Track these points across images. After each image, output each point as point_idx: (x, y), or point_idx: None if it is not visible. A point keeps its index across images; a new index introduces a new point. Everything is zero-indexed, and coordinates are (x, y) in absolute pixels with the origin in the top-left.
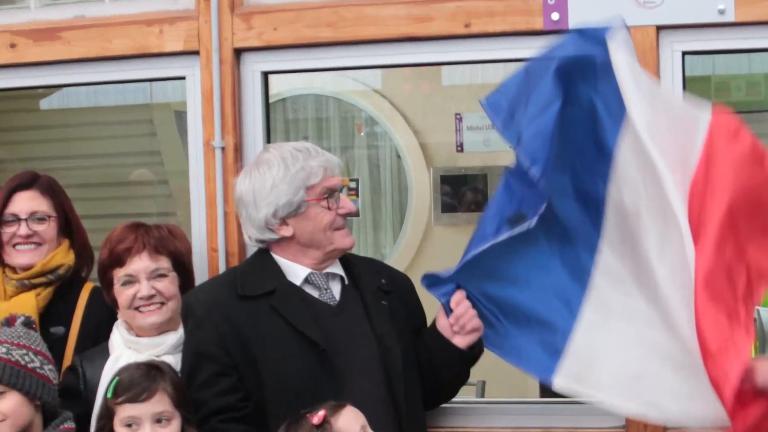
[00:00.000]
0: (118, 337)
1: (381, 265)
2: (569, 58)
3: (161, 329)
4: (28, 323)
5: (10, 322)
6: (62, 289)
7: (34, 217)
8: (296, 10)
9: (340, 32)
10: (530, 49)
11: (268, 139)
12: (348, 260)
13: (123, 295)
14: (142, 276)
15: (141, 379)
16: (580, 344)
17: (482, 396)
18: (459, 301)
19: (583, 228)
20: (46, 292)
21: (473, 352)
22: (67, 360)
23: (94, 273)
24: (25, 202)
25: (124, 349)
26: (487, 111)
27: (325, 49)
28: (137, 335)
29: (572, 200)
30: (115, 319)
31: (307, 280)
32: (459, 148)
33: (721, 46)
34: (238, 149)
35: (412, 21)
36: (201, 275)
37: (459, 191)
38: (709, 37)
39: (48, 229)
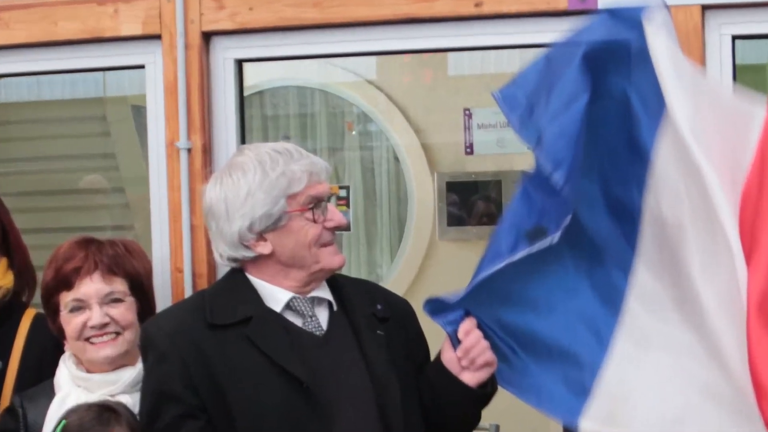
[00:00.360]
0: (66, 374)
1: (376, 288)
2: (598, 44)
3: (116, 364)
4: None
5: None
6: None
7: None
8: None
9: (328, 13)
10: (552, 32)
11: (243, 139)
12: (337, 282)
13: (71, 323)
14: (93, 301)
15: (92, 423)
16: (611, 380)
17: None
18: (468, 330)
19: (615, 243)
20: None
21: (485, 391)
22: (5, 400)
23: (37, 297)
24: None
25: (73, 387)
26: (501, 105)
27: (309, 32)
28: (88, 371)
29: (602, 211)
30: (62, 351)
31: (288, 306)
32: (468, 150)
33: None
34: (207, 151)
35: (413, 0)
36: (163, 300)
37: (468, 200)
38: (764, 19)
39: None
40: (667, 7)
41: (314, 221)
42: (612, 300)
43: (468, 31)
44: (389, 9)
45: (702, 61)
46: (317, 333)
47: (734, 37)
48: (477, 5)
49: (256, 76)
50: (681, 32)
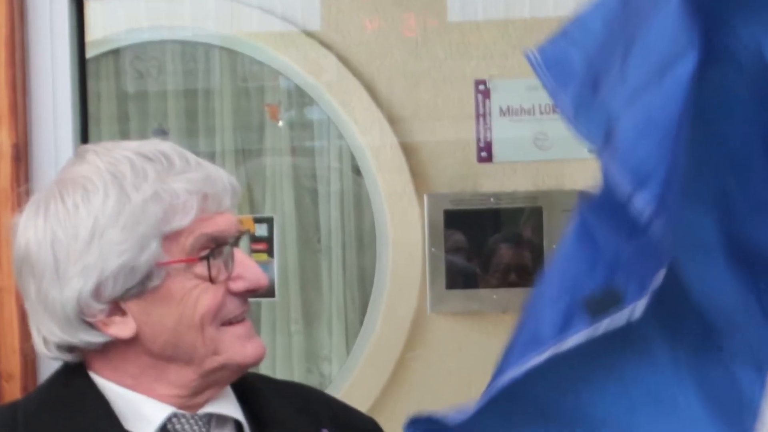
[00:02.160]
0: None
1: (320, 400)
2: None
3: None
4: None
5: None
6: None
7: None
8: None
9: None
10: None
11: (85, 136)
12: (252, 389)
13: None
14: None
15: None
16: None
17: None
18: None
19: (743, 320)
20: None
21: None
22: None
23: None
24: None
25: None
26: (540, 75)
27: None
28: None
29: (721, 263)
30: None
31: (166, 431)
32: (484, 154)
33: None
34: (23, 155)
35: None
36: None
37: (484, 244)
38: None
39: None
40: None
41: (211, 280)
42: (737, 418)
43: None
44: None
45: None
46: None
47: None
48: None
49: (108, 24)
50: None
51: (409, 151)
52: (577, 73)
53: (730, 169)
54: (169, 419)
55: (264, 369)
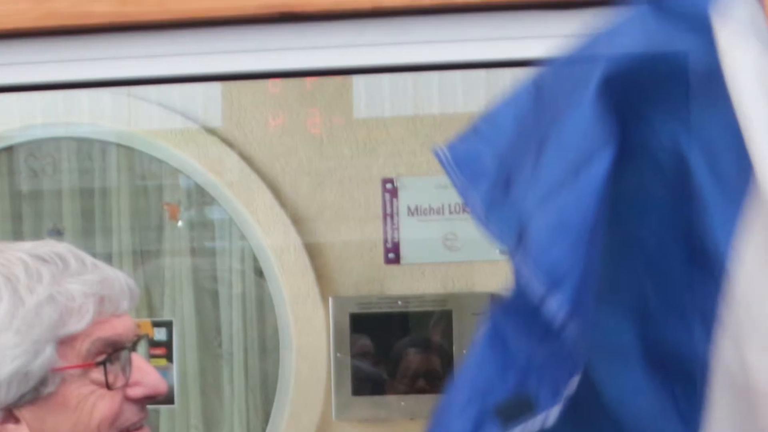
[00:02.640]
0: None
1: None
2: (630, 61)
3: None
4: None
5: None
6: None
7: None
8: None
9: (136, 6)
10: (547, 38)
11: None
12: None
13: None
14: None
15: None
16: None
17: None
18: None
19: (658, 427)
20: None
21: None
22: None
23: None
24: None
25: None
26: (450, 174)
27: (101, 37)
28: None
29: (638, 368)
30: None
31: None
32: (391, 256)
33: None
34: None
35: None
36: None
37: (390, 349)
38: None
39: None
40: None
41: (107, 387)
42: None
43: (392, 36)
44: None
45: None
46: None
47: None
48: None
49: (1, 120)
50: None
51: (313, 252)
52: (488, 172)
53: (647, 272)
54: None
55: None
